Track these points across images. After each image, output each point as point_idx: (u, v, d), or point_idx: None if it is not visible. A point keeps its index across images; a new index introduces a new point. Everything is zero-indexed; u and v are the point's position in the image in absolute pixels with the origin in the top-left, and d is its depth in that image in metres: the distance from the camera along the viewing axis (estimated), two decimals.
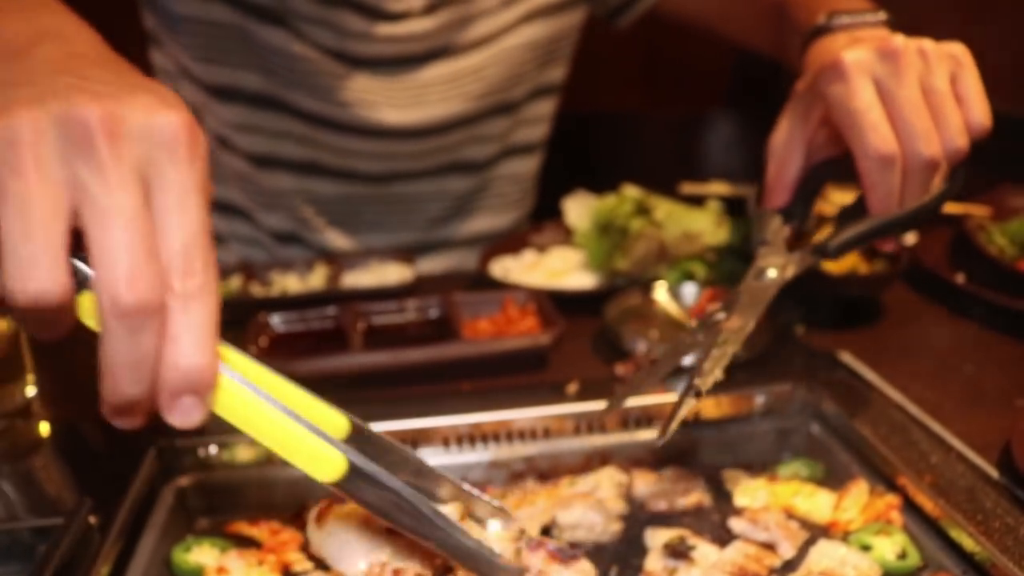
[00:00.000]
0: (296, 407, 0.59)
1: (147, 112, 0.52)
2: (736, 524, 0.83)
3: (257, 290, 1.23)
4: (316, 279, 1.27)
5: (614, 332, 1.06)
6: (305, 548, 0.81)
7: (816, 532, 0.81)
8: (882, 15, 0.98)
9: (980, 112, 0.87)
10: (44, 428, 0.93)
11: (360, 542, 0.72)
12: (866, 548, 0.77)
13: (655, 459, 0.93)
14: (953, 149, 0.85)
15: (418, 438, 0.90)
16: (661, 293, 1.13)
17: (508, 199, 1.54)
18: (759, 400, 0.95)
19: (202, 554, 0.80)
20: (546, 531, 0.83)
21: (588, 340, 1.10)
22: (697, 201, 1.34)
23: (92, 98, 0.50)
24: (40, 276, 0.48)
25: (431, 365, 1.01)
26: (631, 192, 1.30)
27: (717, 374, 0.77)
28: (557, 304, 1.09)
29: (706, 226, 1.24)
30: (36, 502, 0.81)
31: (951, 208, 1.32)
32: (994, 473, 0.81)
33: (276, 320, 1.09)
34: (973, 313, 1.15)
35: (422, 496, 0.61)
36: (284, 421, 0.57)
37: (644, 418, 0.93)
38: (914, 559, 0.76)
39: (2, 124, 0.49)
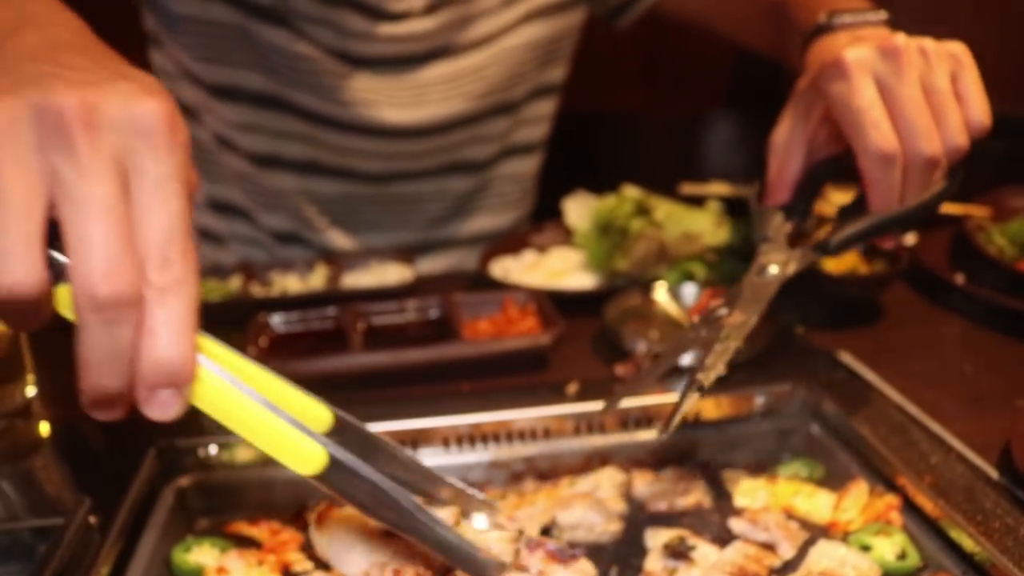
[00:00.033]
0: (277, 399, 0.58)
1: (126, 101, 0.51)
2: (736, 524, 0.83)
3: (257, 290, 1.24)
4: (316, 279, 1.27)
5: (614, 332, 1.06)
6: (305, 548, 0.81)
7: (816, 532, 0.81)
8: (883, 14, 0.99)
9: (980, 110, 0.88)
10: (44, 428, 0.93)
11: (361, 543, 0.71)
12: (866, 548, 0.77)
13: (655, 459, 0.93)
14: (953, 147, 0.86)
15: (418, 438, 0.90)
16: (661, 293, 1.14)
17: (508, 199, 1.54)
18: (759, 400, 0.95)
19: (202, 554, 0.80)
20: (546, 531, 0.83)
21: (588, 340, 1.10)
22: (697, 201, 1.34)
23: (69, 87, 0.50)
24: (15, 268, 0.48)
25: (431, 365, 1.01)
26: (631, 192, 1.30)
27: (720, 369, 0.78)
28: (557, 304, 1.09)
29: (706, 226, 1.24)
30: (36, 502, 0.81)
31: (951, 209, 1.32)
32: (994, 473, 0.81)
33: (276, 320, 1.09)
34: (973, 313, 1.15)
35: (404, 490, 0.60)
36: (263, 414, 0.57)
37: (644, 418, 0.93)
38: (914, 559, 0.76)
39: None
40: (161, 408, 0.52)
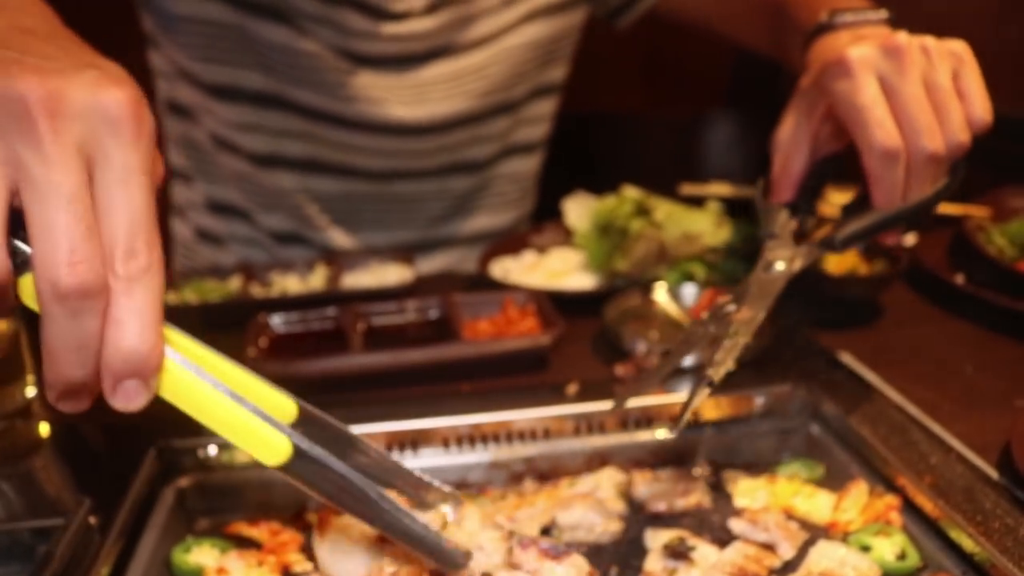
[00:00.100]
0: (242, 390, 0.59)
1: (91, 89, 0.50)
2: (736, 525, 0.83)
3: (257, 291, 1.24)
4: (316, 280, 1.27)
5: (614, 333, 1.06)
6: (305, 549, 0.81)
7: (816, 533, 0.81)
8: (883, 13, 0.99)
9: (981, 107, 0.89)
10: (44, 429, 0.93)
11: (360, 550, 0.72)
12: (866, 549, 0.77)
13: (655, 460, 0.93)
14: (955, 144, 0.87)
15: (418, 439, 0.90)
16: (661, 294, 1.14)
17: (508, 198, 1.54)
18: (759, 401, 0.95)
19: (202, 555, 0.80)
20: (546, 532, 0.83)
21: (588, 341, 1.10)
22: (697, 202, 1.34)
23: (33, 74, 0.49)
24: None
25: (431, 366, 1.01)
26: (631, 193, 1.30)
27: (729, 364, 0.79)
28: (557, 305, 1.09)
29: (706, 227, 1.24)
30: (36, 503, 0.81)
31: (951, 209, 1.32)
32: (994, 474, 0.81)
33: (276, 321, 1.09)
34: (973, 314, 1.15)
35: (368, 480, 0.61)
36: (229, 404, 0.57)
37: (644, 419, 0.93)
38: (913, 560, 0.76)
39: None
40: (127, 398, 0.52)
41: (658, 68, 2.70)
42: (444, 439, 0.91)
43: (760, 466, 0.92)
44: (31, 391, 0.94)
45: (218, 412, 0.57)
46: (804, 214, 0.95)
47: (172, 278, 1.23)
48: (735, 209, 1.32)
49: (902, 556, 0.77)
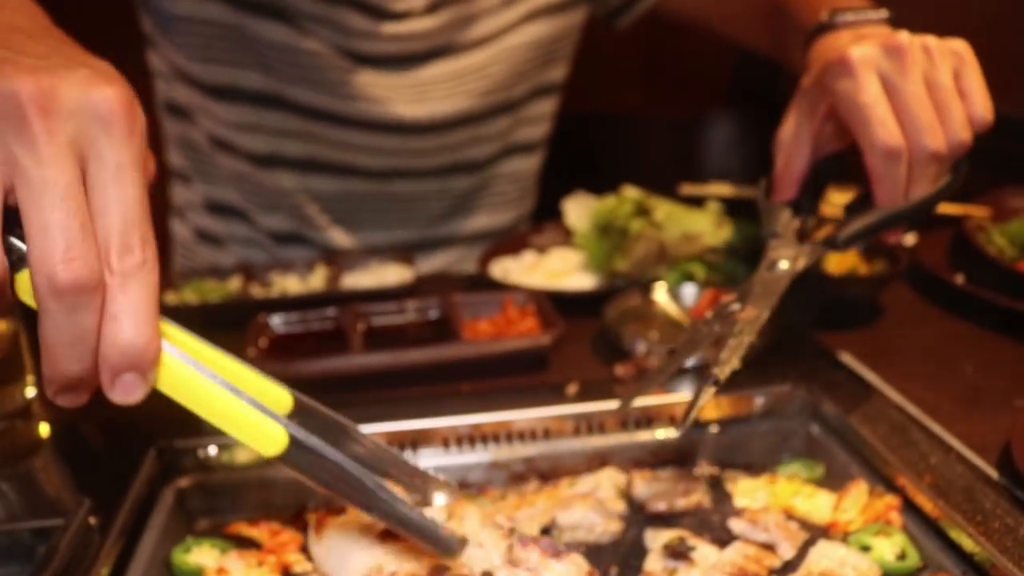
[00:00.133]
0: (238, 382, 0.59)
1: (83, 87, 0.51)
2: (736, 525, 0.83)
3: (257, 291, 1.24)
4: (316, 280, 1.27)
5: (614, 333, 1.06)
6: (305, 549, 0.81)
7: (816, 533, 0.81)
8: (884, 12, 0.99)
9: (982, 106, 0.90)
10: (44, 429, 0.93)
11: (358, 550, 0.72)
12: (865, 549, 0.77)
13: (655, 460, 0.93)
14: (957, 142, 0.88)
15: (418, 439, 0.90)
16: (661, 294, 1.14)
17: (508, 198, 1.54)
18: (759, 401, 0.95)
19: (202, 555, 0.80)
20: (546, 532, 0.83)
21: (588, 341, 1.10)
22: (697, 202, 1.34)
23: (26, 72, 0.50)
24: None
25: (431, 366, 1.01)
26: (631, 193, 1.30)
27: (735, 363, 0.79)
28: (557, 305, 1.09)
29: (706, 227, 1.24)
30: (36, 503, 0.81)
31: (951, 209, 1.32)
32: (994, 474, 0.81)
33: (276, 321, 1.09)
34: (973, 314, 1.15)
35: (365, 469, 0.62)
36: (226, 396, 0.58)
37: (644, 419, 0.93)
38: (913, 560, 0.76)
39: None
40: (125, 392, 0.53)
41: (658, 68, 2.70)
42: (444, 439, 0.91)
43: (760, 466, 0.92)
44: (31, 391, 0.94)
45: (215, 404, 0.58)
46: (807, 213, 0.95)
47: (170, 278, 1.23)
48: (735, 209, 1.32)
49: (902, 556, 0.77)
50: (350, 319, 1.09)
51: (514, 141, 1.50)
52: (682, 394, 0.94)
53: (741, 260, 1.22)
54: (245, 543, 0.82)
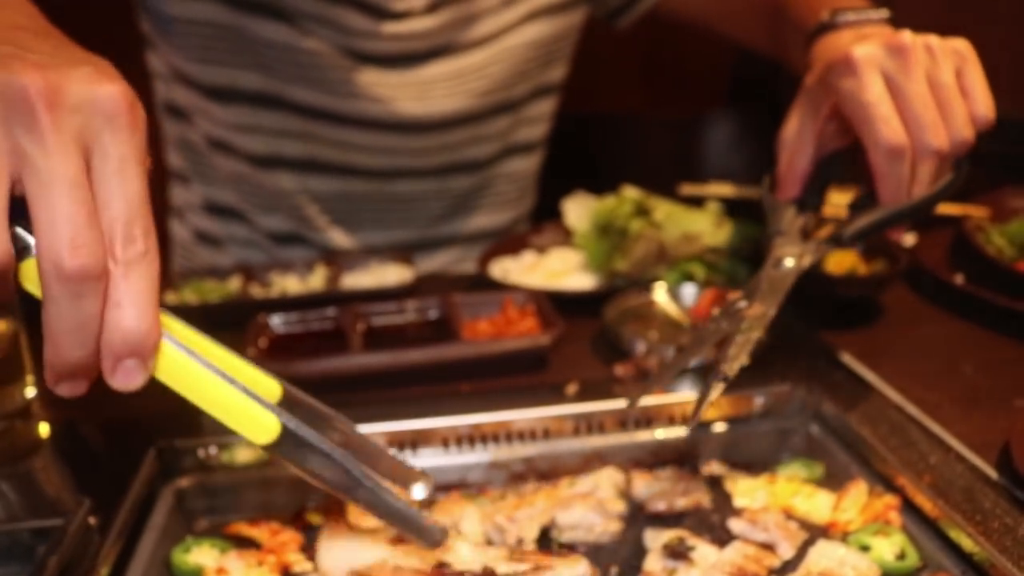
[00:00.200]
0: (231, 371, 0.60)
1: (88, 83, 0.53)
2: (735, 525, 0.83)
3: (256, 291, 1.24)
4: (316, 280, 1.27)
5: (614, 333, 1.06)
6: (305, 549, 0.81)
7: (815, 532, 0.81)
8: (884, 12, 1.00)
9: (984, 105, 0.91)
10: (44, 429, 0.93)
11: (363, 551, 0.73)
12: (865, 548, 0.77)
13: (654, 460, 0.93)
14: (959, 140, 0.89)
15: (418, 439, 0.90)
16: (660, 294, 1.14)
17: (507, 198, 1.54)
18: (759, 401, 0.95)
19: (202, 555, 0.80)
20: (546, 532, 0.83)
21: (587, 341, 1.10)
22: (696, 202, 1.34)
23: (33, 68, 0.51)
24: None
25: (431, 366, 1.01)
26: (630, 193, 1.30)
27: (743, 359, 0.80)
28: (557, 305, 1.09)
29: (705, 227, 1.24)
30: (36, 503, 0.81)
31: (950, 209, 1.32)
32: (993, 474, 0.81)
33: (276, 321, 1.09)
34: (972, 314, 1.15)
35: (352, 459, 0.63)
36: (221, 385, 0.59)
37: (643, 419, 0.93)
38: (913, 559, 0.76)
39: None
40: (126, 378, 0.54)
41: (658, 68, 2.70)
42: (444, 439, 0.91)
43: (760, 466, 0.92)
44: (31, 391, 0.94)
45: (211, 392, 0.59)
46: (810, 211, 0.96)
47: (170, 279, 1.23)
48: (735, 209, 1.32)
49: (901, 556, 0.77)
50: (350, 319, 1.09)
51: (514, 141, 1.50)
52: (682, 394, 0.94)
53: (741, 260, 1.22)
54: (245, 543, 0.82)
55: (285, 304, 1.16)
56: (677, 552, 0.77)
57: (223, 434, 0.88)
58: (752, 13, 1.36)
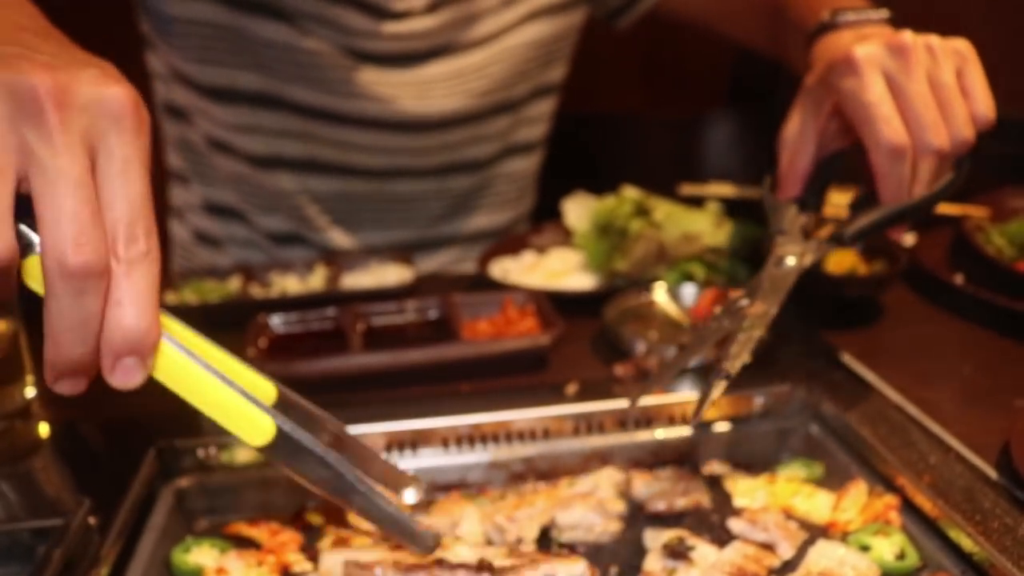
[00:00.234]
0: (228, 373, 0.61)
1: (95, 85, 0.53)
2: (735, 524, 0.83)
3: (256, 291, 1.24)
4: (315, 280, 1.27)
5: (613, 333, 1.06)
6: (305, 549, 0.81)
7: (815, 532, 0.82)
8: (884, 12, 1.00)
9: (985, 105, 0.91)
10: (44, 429, 0.93)
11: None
12: (865, 548, 0.77)
13: (654, 460, 0.93)
14: (960, 140, 0.89)
15: (417, 439, 0.90)
16: (660, 294, 1.14)
17: (507, 198, 1.54)
18: (758, 401, 0.95)
19: (202, 555, 0.80)
20: (545, 532, 0.83)
21: (587, 341, 1.10)
22: (696, 202, 1.34)
23: (42, 68, 0.52)
24: None
25: (431, 366, 1.02)
26: (630, 193, 1.30)
27: (745, 357, 0.81)
28: (556, 305, 1.09)
29: (705, 227, 1.24)
30: (35, 503, 0.81)
31: (950, 209, 1.32)
32: (993, 473, 0.81)
33: (276, 321, 1.09)
34: (972, 313, 1.15)
35: (346, 463, 0.63)
36: (218, 386, 0.59)
37: (643, 419, 0.93)
38: (913, 559, 0.76)
39: None
40: (125, 375, 0.55)
41: (657, 68, 2.70)
42: (444, 439, 0.91)
43: (759, 466, 0.92)
44: (31, 391, 0.94)
45: (208, 393, 0.59)
46: (811, 210, 0.96)
47: (169, 279, 1.23)
48: (734, 209, 1.32)
49: (901, 556, 0.77)
50: (350, 319, 1.09)
51: (514, 141, 1.50)
52: (682, 394, 0.94)
53: (741, 260, 1.22)
54: (245, 543, 0.82)
55: (285, 304, 1.16)
56: (677, 552, 0.77)
57: (223, 434, 0.87)
58: (752, 13, 1.36)
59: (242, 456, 0.89)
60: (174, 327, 0.61)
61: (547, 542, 0.83)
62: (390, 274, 1.28)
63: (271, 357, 1.03)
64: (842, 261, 1.18)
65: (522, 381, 1.01)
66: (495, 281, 1.24)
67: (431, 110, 1.36)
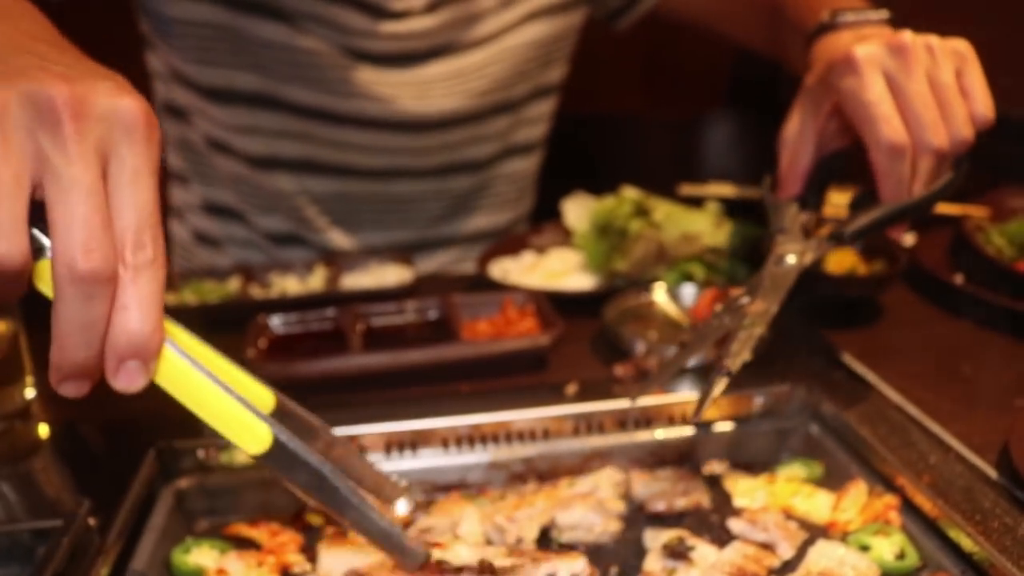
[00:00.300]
0: (228, 380, 0.61)
1: (111, 96, 0.55)
2: (735, 524, 0.83)
3: (256, 292, 1.24)
4: (315, 280, 1.27)
5: (613, 333, 1.06)
6: (304, 549, 0.81)
7: (815, 532, 0.82)
8: (884, 13, 1.01)
9: (984, 105, 0.92)
10: (43, 430, 0.93)
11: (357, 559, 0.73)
12: (865, 548, 0.77)
13: (654, 460, 0.93)
14: (959, 139, 0.90)
15: (417, 439, 0.90)
16: (660, 294, 1.14)
17: (506, 198, 1.54)
18: (758, 401, 0.95)
19: (201, 556, 0.80)
20: (545, 532, 0.83)
21: (587, 341, 1.10)
22: (696, 202, 1.34)
23: (60, 79, 0.54)
24: (2, 242, 0.52)
25: (430, 366, 1.01)
26: (630, 193, 1.30)
27: (745, 355, 0.82)
28: (556, 305, 1.09)
29: (705, 227, 1.24)
30: (35, 504, 0.81)
31: (950, 209, 1.32)
32: (992, 473, 0.81)
33: (275, 322, 1.09)
34: (972, 314, 1.15)
35: (341, 475, 0.63)
36: (218, 393, 0.60)
37: (643, 419, 0.93)
38: (912, 559, 0.76)
39: None
40: (128, 379, 0.56)
41: (657, 69, 2.70)
42: (443, 440, 0.91)
43: (759, 466, 0.92)
44: (30, 393, 0.94)
45: (207, 400, 0.60)
46: (811, 209, 0.97)
47: (169, 279, 1.23)
48: (734, 209, 1.32)
49: (901, 556, 0.77)
50: (349, 320, 1.09)
51: (513, 142, 1.50)
52: (681, 394, 0.94)
53: (740, 260, 1.22)
54: (245, 544, 0.82)
55: (285, 305, 1.16)
56: (677, 552, 0.77)
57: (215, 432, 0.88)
58: (752, 13, 1.36)
59: (242, 457, 0.89)
60: (177, 333, 0.62)
61: (547, 542, 0.83)
62: (390, 274, 1.28)
63: (271, 358, 1.03)
64: (842, 261, 1.18)
65: (522, 381, 1.01)
66: (495, 281, 1.24)
67: (430, 110, 1.36)
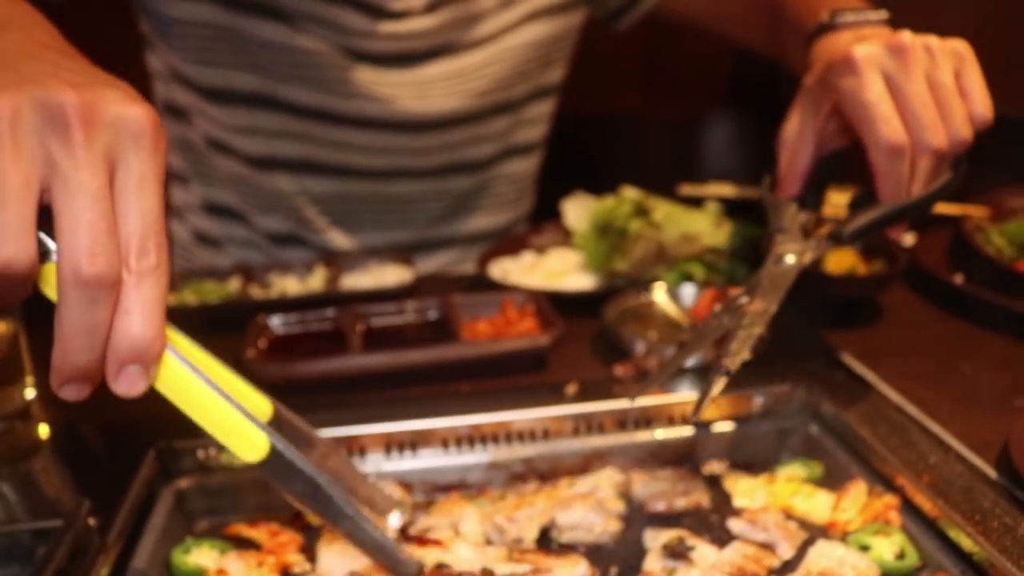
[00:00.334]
0: (227, 387, 0.62)
1: (120, 104, 0.56)
2: (735, 525, 0.83)
3: (256, 292, 1.24)
4: (315, 281, 1.27)
5: (613, 333, 1.06)
6: (304, 549, 0.81)
7: (815, 532, 0.82)
8: (883, 13, 1.01)
9: (983, 105, 0.92)
10: (43, 430, 0.93)
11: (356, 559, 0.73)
12: (865, 548, 0.77)
13: (654, 460, 0.93)
14: (958, 140, 0.90)
15: (417, 440, 0.90)
16: (660, 294, 1.14)
17: (506, 199, 1.54)
18: (758, 401, 0.95)
19: (201, 556, 0.80)
20: (545, 532, 0.83)
21: (587, 341, 1.10)
22: (696, 202, 1.34)
23: (70, 86, 0.55)
24: (10, 245, 0.52)
25: (430, 366, 1.02)
26: (630, 193, 1.30)
27: (745, 354, 0.81)
28: (556, 305, 1.09)
29: (705, 227, 1.24)
30: (35, 504, 0.81)
31: (950, 209, 1.32)
32: (992, 473, 0.81)
33: (275, 322, 1.09)
34: (971, 314, 1.15)
35: (335, 485, 0.64)
36: (216, 400, 0.61)
37: (643, 419, 0.93)
38: (912, 559, 0.76)
39: None
40: (129, 383, 0.57)
41: (657, 69, 2.70)
42: (443, 440, 0.91)
43: (759, 466, 0.92)
44: (31, 393, 0.94)
45: (206, 407, 0.61)
46: (810, 209, 0.97)
47: (173, 279, 1.23)
48: (734, 209, 1.32)
49: (901, 556, 0.77)
50: (349, 320, 1.09)
51: (513, 142, 1.50)
52: (681, 394, 0.94)
53: (740, 260, 1.22)
54: (245, 544, 0.82)
55: (285, 305, 1.16)
56: (677, 552, 0.77)
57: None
58: (751, 13, 1.36)
59: None
60: (178, 339, 0.62)
61: (547, 542, 0.83)
62: (389, 275, 1.28)
63: (271, 358, 1.03)
64: (842, 261, 1.18)
65: (522, 381, 1.01)
66: (494, 282, 1.24)
67: (430, 110, 1.36)
